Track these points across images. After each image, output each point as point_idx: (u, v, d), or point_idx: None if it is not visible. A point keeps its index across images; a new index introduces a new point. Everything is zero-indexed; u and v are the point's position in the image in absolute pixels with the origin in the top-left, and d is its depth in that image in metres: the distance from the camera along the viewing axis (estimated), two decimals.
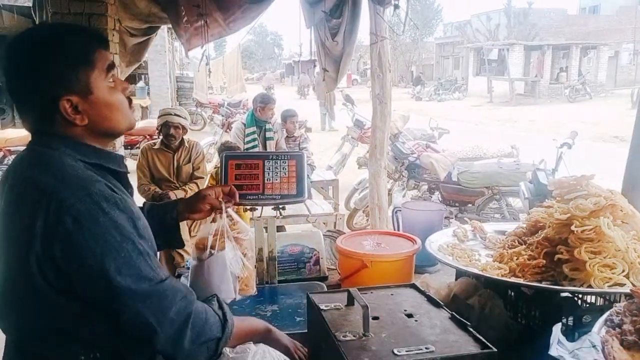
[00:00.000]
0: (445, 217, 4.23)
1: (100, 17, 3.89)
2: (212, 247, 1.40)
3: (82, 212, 1.00)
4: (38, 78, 1.08)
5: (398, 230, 2.20)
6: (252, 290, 1.48)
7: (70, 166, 1.07)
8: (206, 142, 8.88)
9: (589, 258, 1.32)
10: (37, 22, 4.30)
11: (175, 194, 4.18)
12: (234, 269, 1.39)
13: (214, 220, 1.43)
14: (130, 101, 1.21)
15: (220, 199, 1.44)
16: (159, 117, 4.29)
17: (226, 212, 1.40)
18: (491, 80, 25.49)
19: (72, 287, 1.02)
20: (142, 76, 15.19)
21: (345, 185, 6.24)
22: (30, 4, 4.40)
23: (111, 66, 1.16)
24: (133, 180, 5.10)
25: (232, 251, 1.41)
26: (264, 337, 1.29)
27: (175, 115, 4.32)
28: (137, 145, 8.08)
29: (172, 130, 4.27)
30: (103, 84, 1.13)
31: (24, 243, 1.00)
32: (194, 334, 1.08)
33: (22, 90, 1.11)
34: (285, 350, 1.30)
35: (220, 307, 1.19)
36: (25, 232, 1.00)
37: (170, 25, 4.55)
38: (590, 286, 1.31)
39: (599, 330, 1.07)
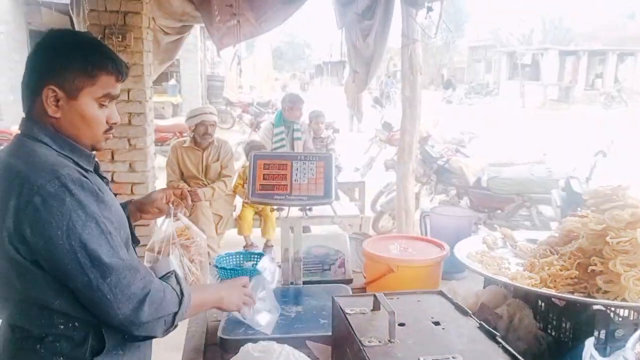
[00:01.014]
0: (474, 223, 4.17)
1: (136, 15, 3.97)
2: (158, 252, 1.44)
3: (50, 193, 1.09)
4: (46, 62, 1.20)
5: (426, 235, 2.18)
6: None
7: (43, 154, 1.16)
8: (235, 141, 8.95)
9: (624, 271, 1.28)
10: (74, 19, 4.39)
11: (204, 192, 4.23)
12: (178, 274, 1.38)
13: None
14: (110, 129, 1.28)
15: (170, 203, 1.55)
16: (193, 116, 4.33)
17: (176, 216, 1.42)
18: (524, 85, 25.05)
19: (39, 261, 1.12)
20: (174, 74, 15.42)
21: (372, 187, 6.21)
22: (68, 1, 4.51)
23: (111, 95, 1.25)
24: (162, 176, 5.22)
25: (176, 258, 1.43)
26: (218, 306, 1.40)
27: (211, 113, 4.39)
28: (167, 142, 8.19)
29: (209, 129, 4.33)
30: (91, 100, 1.22)
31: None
32: (151, 310, 1.15)
33: (32, 67, 1.22)
34: (236, 308, 1.41)
35: (178, 282, 1.26)
36: (0, 210, 1.11)
37: (203, 24, 4.60)
38: (624, 300, 1.27)
39: (633, 346, 1.03)
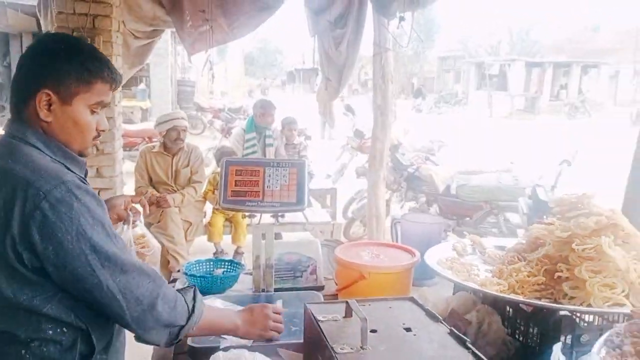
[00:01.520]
0: (443, 230, 4.23)
1: (105, 18, 3.90)
2: None
3: (58, 198, 1.10)
4: (42, 65, 1.21)
5: (397, 241, 2.20)
6: None
7: (38, 159, 1.17)
8: (205, 146, 8.87)
9: (589, 277, 1.31)
10: (41, 21, 4.30)
11: (173, 198, 4.17)
12: None
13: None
14: (98, 136, 1.30)
15: (129, 210, 1.57)
16: (164, 121, 4.27)
17: (134, 223, 1.42)
18: (492, 95, 25.59)
19: (44, 267, 1.11)
20: (144, 78, 15.20)
21: (344, 194, 6.23)
22: (35, 3, 4.41)
23: (104, 103, 1.27)
24: (131, 182, 5.11)
25: None
26: (232, 334, 1.38)
27: (182, 118, 4.34)
28: (136, 147, 8.06)
29: (181, 134, 4.27)
30: (84, 106, 1.23)
31: (0, 227, 1.10)
32: (159, 316, 1.18)
33: (27, 70, 1.22)
34: (258, 337, 1.40)
35: (194, 298, 1.27)
36: (1, 217, 1.10)
37: (174, 29, 4.56)
38: (589, 305, 1.30)
39: (598, 350, 1.06)
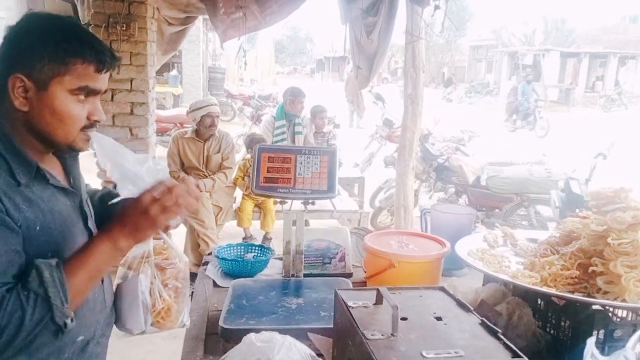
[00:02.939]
0: (473, 222, 4.20)
1: (140, 4, 3.97)
2: (129, 268, 1.29)
3: None
4: (14, 47, 1.08)
5: (426, 231, 2.19)
6: (172, 325, 1.33)
7: None
8: (235, 133, 8.95)
9: (625, 272, 1.29)
10: (78, 7, 4.38)
11: (204, 183, 4.24)
12: (146, 298, 1.26)
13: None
14: (90, 126, 1.14)
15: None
16: (198, 108, 4.32)
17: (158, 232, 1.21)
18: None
19: None
20: (176, 65, 15.37)
21: (371, 183, 6.23)
22: None
23: (90, 89, 1.11)
24: None
25: (147, 278, 1.28)
26: (118, 250, 1.12)
27: (215, 105, 4.40)
28: (168, 133, 8.19)
29: (215, 121, 4.34)
30: (63, 91, 1.08)
31: None
32: (13, 335, 0.98)
33: (1, 53, 1.10)
34: (150, 231, 1.14)
35: (41, 282, 1.01)
36: None
37: (207, 16, 4.59)
38: (624, 300, 1.28)
39: (633, 345, 1.05)
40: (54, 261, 1.04)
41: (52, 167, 1.18)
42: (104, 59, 1.11)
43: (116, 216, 1.14)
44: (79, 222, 1.20)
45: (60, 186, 1.16)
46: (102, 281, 1.28)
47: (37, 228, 1.06)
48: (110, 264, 1.13)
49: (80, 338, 1.19)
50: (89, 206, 1.29)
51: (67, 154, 1.21)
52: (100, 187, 1.51)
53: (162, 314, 1.30)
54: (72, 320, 1.06)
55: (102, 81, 1.14)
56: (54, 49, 1.06)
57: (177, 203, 1.11)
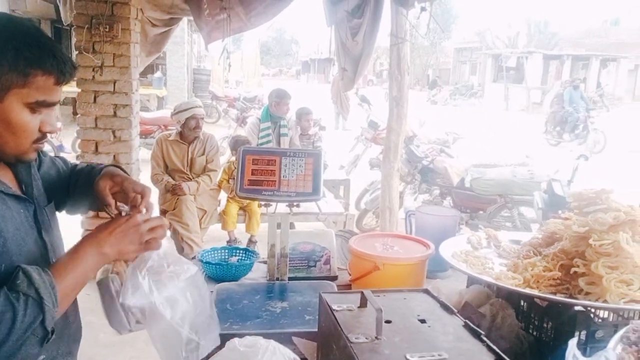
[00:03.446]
0: (457, 223, 4.23)
1: (124, 5, 3.93)
2: (110, 270, 1.27)
3: None
4: None
5: (411, 233, 2.20)
6: None
7: None
8: (220, 135, 8.91)
9: (606, 273, 1.31)
10: (60, 8, 4.33)
11: (189, 186, 4.21)
12: (126, 300, 1.17)
13: None
14: (42, 138, 1.09)
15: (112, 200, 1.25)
16: (183, 110, 4.30)
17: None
18: (508, 87, 25.31)
19: None
20: (160, 67, 15.27)
21: (357, 185, 6.24)
22: None
23: (47, 103, 1.05)
24: (146, 169, 5.18)
25: (119, 278, 1.20)
26: (104, 256, 1.10)
27: (200, 107, 4.38)
28: (152, 135, 8.13)
29: (199, 123, 4.32)
30: (19, 104, 1.02)
31: None
32: (4, 341, 0.94)
33: None
34: (134, 253, 1.13)
35: (30, 281, 0.97)
36: None
37: (191, 17, 4.57)
38: (605, 301, 1.29)
39: (614, 346, 1.06)
40: (33, 267, 1.01)
41: (2, 174, 1.12)
42: (65, 69, 1.05)
43: (104, 223, 1.13)
44: (33, 231, 1.15)
45: (10, 193, 1.10)
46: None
47: None
48: (95, 270, 1.11)
49: (42, 357, 1.14)
50: (46, 215, 1.22)
51: (15, 163, 1.15)
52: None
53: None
54: (53, 331, 1.03)
55: (59, 93, 1.08)
56: (14, 56, 0.99)
57: (163, 227, 1.16)
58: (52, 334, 1.02)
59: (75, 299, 1.29)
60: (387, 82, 4.37)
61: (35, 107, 1.04)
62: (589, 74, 26.79)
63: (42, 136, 1.09)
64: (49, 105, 1.07)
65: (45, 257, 1.16)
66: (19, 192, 1.14)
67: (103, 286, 1.21)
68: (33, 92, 1.02)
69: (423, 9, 3.62)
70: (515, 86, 25.90)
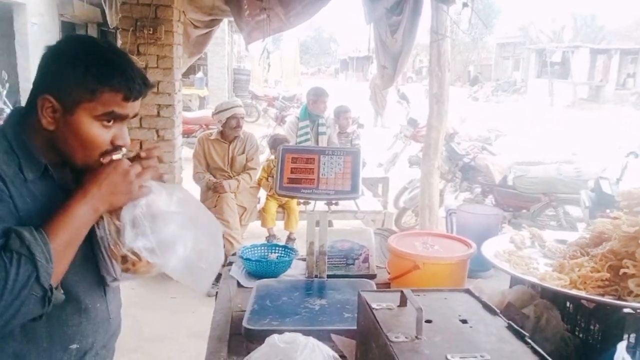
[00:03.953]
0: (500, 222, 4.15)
1: (167, 8, 4.03)
2: None
3: None
4: (48, 68, 1.11)
5: (452, 232, 2.16)
6: (147, 269, 1.16)
7: None
8: (260, 134, 9.01)
9: None
10: (106, 12, 4.47)
11: (229, 184, 4.27)
12: (104, 246, 1.16)
13: None
14: (113, 150, 1.15)
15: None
16: (224, 109, 4.37)
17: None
18: (553, 83, 24.59)
19: None
20: (201, 67, 15.55)
21: (395, 183, 6.19)
22: None
23: (116, 114, 1.11)
24: (188, 168, 5.30)
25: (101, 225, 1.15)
26: (96, 211, 1.10)
27: (240, 106, 4.44)
28: (194, 134, 8.28)
29: (240, 122, 4.39)
30: (88, 117, 1.09)
31: None
32: None
33: (38, 71, 1.13)
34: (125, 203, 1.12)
35: (22, 242, 0.99)
36: None
37: (232, 18, 4.63)
38: None
39: None
40: (26, 227, 1.03)
41: (63, 171, 1.19)
42: (133, 87, 1.11)
43: (91, 175, 1.12)
44: None
45: (66, 187, 1.16)
46: (105, 292, 1.27)
47: (39, 223, 1.06)
48: (88, 226, 1.11)
49: (75, 346, 1.17)
50: None
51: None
52: None
53: (132, 259, 1.15)
54: (56, 289, 1.04)
55: (130, 108, 1.14)
56: (83, 74, 1.07)
57: (151, 165, 1.15)
58: (51, 292, 1.01)
59: (119, 297, 1.35)
60: (426, 79, 4.33)
61: (104, 119, 1.10)
62: (638, 68, 25.75)
63: (113, 149, 1.15)
64: (118, 117, 1.12)
65: (88, 249, 1.20)
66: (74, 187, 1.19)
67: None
68: (100, 106, 1.09)
69: (465, 5, 3.56)
70: (561, 82, 25.13)
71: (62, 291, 1.07)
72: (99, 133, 1.11)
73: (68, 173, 1.21)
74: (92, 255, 1.22)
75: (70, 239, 1.08)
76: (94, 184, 1.11)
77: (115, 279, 1.28)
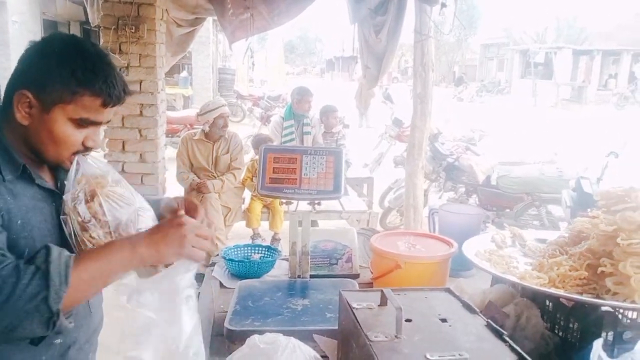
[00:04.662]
0: (482, 222, 4.17)
1: (149, 6, 3.99)
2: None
3: None
4: (30, 64, 1.11)
5: (434, 232, 2.17)
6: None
7: None
8: (245, 134, 8.97)
9: (635, 273, 1.27)
10: (87, 10, 4.42)
11: (213, 184, 4.25)
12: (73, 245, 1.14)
13: None
14: (85, 150, 1.15)
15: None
16: (211, 109, 4.34)
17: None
18: (536, 83, 24.85)
19: None
20: (186, 66, 15.45)
21: (380, 183, 6.21)
22: None
23: (91, 121, 1.12)
24: (172, 168, 5.25)
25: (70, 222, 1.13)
26: (136, 254, 1.06)
27: (225, 105, 4.42)
28: (178, 134, 8.22)
29: (227, 121, 4.37)
30: (64, 118, 1.09)
31: None
32: (2, 305, 0.94)
33: (19, 66, 1.13)
34: (173, 256, 1.09)
35: (46, 259, 0.99)
36: None
37: (215, 17, 4.61)
38: (633, 302, 1.26)
39: None
40: (64, 249, 1.03)
41: (41, 169, 1.19)
42: (113, 94, 1.11)
43: (149, 233, 1.11)
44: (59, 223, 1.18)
45: (45, 187, 1.16)
46: None
47: (19, 222, 1.06)
48: (123, 268, 1.07)
49: (58, 341, 1.17)
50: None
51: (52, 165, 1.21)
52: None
53: None
54: (68, 317, 1.03)
55: (106, 114, 1.15)
56: (68, 76, 1.07)
57: (207, 237, 1.12)
58: (57, 316, 0.98)
59: (100, 293, 1.32)
60: (412, 80, 4.33)
61: (79, 123, 1.11)
62: (620, 69, 26.17)
63: (84, 149, 1.16)
64: (93, 124, 1.14)
65: (67, 248, 1.16)
66: (53, 187, 1.19)
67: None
68: (79, 110, 1.10)
69: (443, 5, 3.57)
70: (544, 82, 25.41)
71: (72, 321, 1.06)
72: (72, 133, 1.12)
73: (46, 172, 1.21)
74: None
75: (97, 270, 1.04)
76: (148, 230, 1.11)
77: None
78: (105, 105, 1.12)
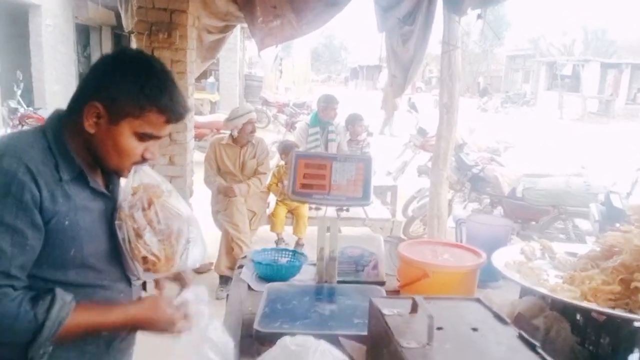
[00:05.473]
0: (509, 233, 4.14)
1: (182, 13, 4.07)
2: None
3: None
4: (104, 77, 1.17)
5: (461, 242, 2.17)
6: (167, 269, 1.30)
7: (29, 138, 1.15)
8: (270, 140, 9.04)
9: None
10: (121, 15, 4.53)
11: (240, 188, 4.30)
12: (126, 247, 1.25)
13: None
14: (143, 161, 1.24)
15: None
16: (240, 115, 4.40)
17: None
18: (563, 96, 24.50)
19: None
20: (213, 72, 15.64)
21: (404, 192, 6.19)
22: None
23: (154, 136, 1.21)
24: (199, 171, 5.31)
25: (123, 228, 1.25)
26: (128, 323, 1.22)
27: (253, 111, 4.49)
28: (205, 138, 8.32)
29: (255, 127, 4.43)
30: (130, 131, 1.17)
31: None
32: None
33: (92, 75, 1.20)
34: (163, 331, 1.26)
35: (47, 310, 1.09)
36: None
37: (245, 25, 4.68)
38: None
39: None
40: (69, 297, 1.12)
41: (95, 173, 1.26)
42: (177, 111, 1.20)
43: (151, 301, 1.26)
44: (108, 226, 1.26)
45: (98, 190, 1.24)
46: (130, 282, 1.35)
47: (66, 223, 1.14)
48: (112, 329, 1.21)
49: (104, 333, 1.24)
50: None
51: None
52: None
53: (152, 260, 1.26)
54: (43, 354, 1.11)
55: (167, 130, 1.23)
56: (138, 92, 1.14)
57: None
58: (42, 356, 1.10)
59: (140, 292, 1.44)
60: (435, 89, 4.34)
61: (142, 137, 1.19)
62: None
63: (143, 161, 1.24)
64: (155, 138, 1.22)
65: (114, 250, 1.27)
66: (105, 190, 1.27)
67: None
68: (144, 125, 1.18)
69: (479, 17, 3.56)
70: (571, 95, 25.04)
71: (49, 351, 1.12)
72: (135, 146, 1.20)
73: (100, 177, 1.28)
74: (117, 255, 1.29)
75: (92, 329, 1.17)
76: (147, 312, 1.23)
77: (138, 278, 1.36)
78: (168, 121, 1.20)
